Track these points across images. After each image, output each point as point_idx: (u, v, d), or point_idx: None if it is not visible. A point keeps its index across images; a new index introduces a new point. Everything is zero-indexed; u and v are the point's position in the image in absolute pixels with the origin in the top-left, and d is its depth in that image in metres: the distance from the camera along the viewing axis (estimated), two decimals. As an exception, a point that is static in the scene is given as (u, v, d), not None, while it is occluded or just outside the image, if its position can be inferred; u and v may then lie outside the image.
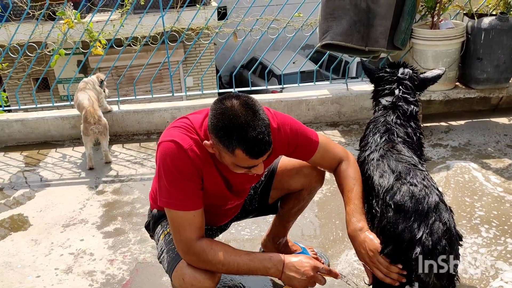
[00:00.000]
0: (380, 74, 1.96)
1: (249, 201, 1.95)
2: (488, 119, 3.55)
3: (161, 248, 1.69)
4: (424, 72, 2.00)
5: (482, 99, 3.56)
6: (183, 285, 1.53)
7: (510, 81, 3.33)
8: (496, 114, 3.61)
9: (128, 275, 2.17)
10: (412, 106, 1.87)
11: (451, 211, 1.50)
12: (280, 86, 4.90)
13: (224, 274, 1.60)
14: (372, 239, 1.52)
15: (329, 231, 2.42)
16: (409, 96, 1.89)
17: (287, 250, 2.18)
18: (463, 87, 3.38)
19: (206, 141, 1.50)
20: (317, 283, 1.53)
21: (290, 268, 1.50)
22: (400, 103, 1.86)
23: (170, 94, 4.02)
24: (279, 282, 2.08)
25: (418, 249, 1.40)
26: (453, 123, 3.54)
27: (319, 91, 3.76)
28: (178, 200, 1.51)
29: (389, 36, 3.25)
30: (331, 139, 3.36)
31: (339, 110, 3.66)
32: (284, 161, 1.91)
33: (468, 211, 2.46)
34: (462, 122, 3.54)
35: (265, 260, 1.52)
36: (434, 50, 3.23)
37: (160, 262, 1.72)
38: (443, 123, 3.54)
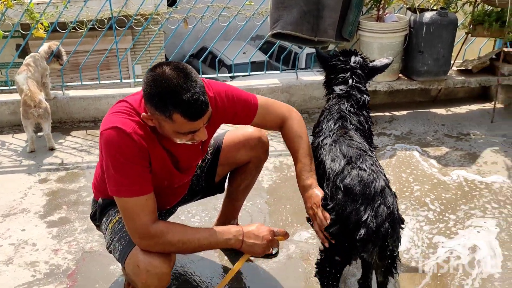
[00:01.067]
0: (333, 62, 2.00)
1: (196, 181, 1.94)
2: (428, 110, 3.74)
3: (111, 237, 1.65)
4: (373, 61, 2.07)
5: (423, 90, 3.75)
6: (138, 271, 1.51)
7: (448, 74, 3.53)
8: (435, 105, 3.81)
9: (74, 265, 2.11)
10: (365, 96, 1.94)
11: (395, 196, 1.58)
12: (230, 74, 4.89)
13: (185, 253, 1.60)
14: (318, 195, 1.60)
15: (279, 216, 2.47)
16: (361, 86, 1.96)
17: None
18: (406, 78, 3.55)
19: (144, 114, 1.46)
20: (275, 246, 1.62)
21: (249, 236, 1.53)
22: (353, 92, 1.92)
23: (118, 81, 3.91)
24: (228, 265, 2.11)
25: (363, 231, 1.46)
26: (396, 113, 3.70)
27: (269, 80, 3.80)
28: (128, 186, 1.48)
29: (338, 28, 3.34)
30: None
31: (289, 99, 3.72)
32: (229, 137, 1.93)
33: (411, 192, 2.60)
34: (405, 112, 3.71)
35: (224, 232, 1.54)
36: (379, 43, 3.36)
37: (110, 252, 1.69)
38: (387, 113, 3.69)
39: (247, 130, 1.91)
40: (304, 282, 1.99)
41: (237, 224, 2.20)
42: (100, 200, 1.75)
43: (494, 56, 3.57)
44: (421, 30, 3.29)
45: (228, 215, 2.16)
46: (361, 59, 2.00)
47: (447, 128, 3.43)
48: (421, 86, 3.53)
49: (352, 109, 1.87)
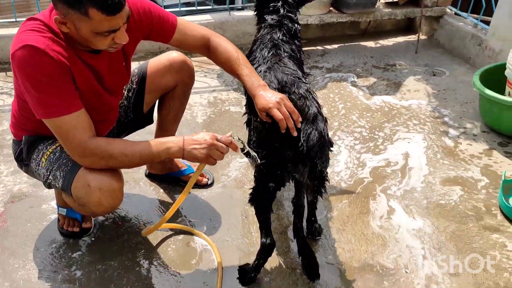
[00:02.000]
0: None
1: (124, 113, 1.92)
2: (358, 43, 3.84)
3: (47, 169, 1.61)
4: None
5: (352, 23, 3.82)
6: (90, 191, 1.49)
7: (376, 6, 3.61)
8: (365, 38, 3.92)
9: (3, 207, 2.05)
10: (296, 25, 1.96)
11: (326, 121, 1.64)
12: None
13: (129, 167, 1.56)
14: (277, 92, 1.56)
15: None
16: (292, 15, 1.97)
17: (173, 167, 2.22)
18: (336, 11, 3.58)
19: (56, 16, 1.37)
20: (220, 152, 1.52)
21: (189, 142, 1.50)
22: (285, 22, 1.92)
23: (38, 20, 3.63)
24: (165, 198, 2.14)
25: (295, 152, 1.52)
26: (328, 47, 3.77)
27: (201, 16, 3.69)
28: (56, 106, 1.42)
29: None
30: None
31: (222, 35, 3.64)
32: (153, 63, 1.91)
33: (343, 119, 2.73)
34: (336, 46, 3.78)
35: (165, 142, 1.52)
36: (309, -26, 3.33)
37: (49, 185, 1.64)
38: (319, 47, 3.75)
39: (171, 55, 1.90)
40: (239, 208, 2.08)
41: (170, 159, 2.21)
42: (25, 137, 1.68)
43: (419, -12, 3.67)
44: (349, -39, 3.30)
45: None
46: None
47: (375, 60, 3.56)
48: (351, 19, 3.59)
49: (284, 38, 1.89)
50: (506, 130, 2.56)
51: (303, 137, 1.52)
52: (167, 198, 2.15)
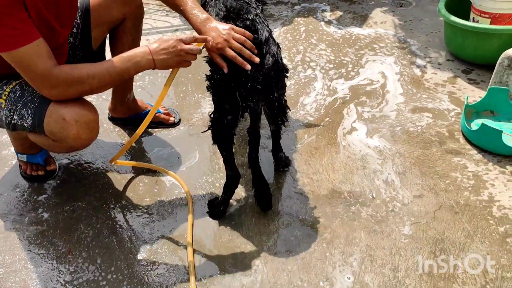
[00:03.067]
0: None
1: (72, 52, 1.80)
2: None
3: (10, 110, 1.53)
4: None
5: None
6: (66, 125, 1.45)
7: None
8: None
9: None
10: None
11: (279, 46, 1.60)
12: None
13: (100, 91, 1.51)
14: (222, 23, 1.50)
15: (181, 88, 2.44)
16: None
17: (137, 108, 2.17)
18: None
19: None
20: (192, 54, 1.48)
21: (157, 52, 1.45)
22: None
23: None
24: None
25: (248, 79, 1.48)
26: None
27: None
28: (13, 36, 1.34)
29: None
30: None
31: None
32: None
33: (315, 51, 2.69)
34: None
35: (133, 56, 1.46)
36: None
37: (14, 126, 1.56)
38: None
39: None
40: (206, 145, 2.06)
41: (134, 98, 2.15)
42: None
43: None
44: None
45: (123, 88, 2.05)
46: None
47: (342, -7, 3.48)
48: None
49: None
50: (470, 57, 2.58)
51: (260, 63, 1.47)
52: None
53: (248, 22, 1.54)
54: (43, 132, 1.51)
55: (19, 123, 1.54)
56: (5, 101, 1.54)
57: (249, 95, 1.50)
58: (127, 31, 1.87)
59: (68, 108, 1.45)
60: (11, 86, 1.56)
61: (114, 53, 1.93)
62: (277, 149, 1.92)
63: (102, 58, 1.92)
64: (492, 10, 2.43)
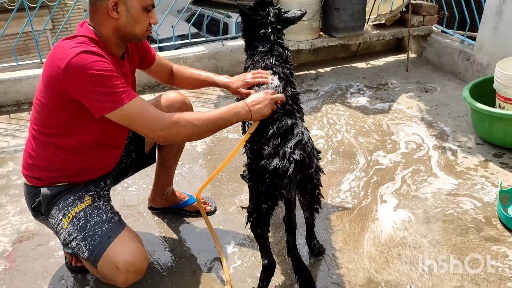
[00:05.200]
0: (253, 17, 2.00)
1: (126, 154, 1.95)
2: (349, 65, 3.95)
3: (70, 235, 1.62)
4: (287, 12, 2.08)
5: (343, 46, 3.93)
6: (118, 272, 1.55)
7: (364, 29, 3.72)
8: (356, 60, 4.03)
9: (11, 246, 2.09)
10: (286, 51, 1.98)
11: (307, 129, 1.67)
12: (156, 45, 4.74)
13: (204, 136, 1.64)
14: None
15: (216, 178, 2.55)
16: (282, 41, 2.00)
17: (175, 199, 2.27)
18: (326, 36, 3.70)
19: (109, 2, 1.54)
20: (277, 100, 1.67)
21: (253, 104, 1.63)
22: (276, 47, 1.95)
23: (38, 61, 3.74)
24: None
25: (275, 163, 1.52)
26: (321, 70, 3.87)
27: (195, 48, 3.81)
28: (124, 92, 1.50)
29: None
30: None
31: (216, 65, 3.76)
32: (151, 103, 1.93)
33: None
34: (328, 69, 3.88)
35: (233, 108, 1.63)
36: (298, 2, 3.45)
37: (66, 246, 1.65)
38: (312, 71, 3.85)
39: (170, 95, 1.95)
40: (242, 230, 2.11)
41: (173, 191, 2.25)
42: (44, 190, 1.68)
43: (404, 9, 3.80)
44: (335, -12, 3.43)
45: (164, 183, 2.18)
46: (277, 11, 2.02)
47: (368, 80, 3.65)
48: (341, 42, 3.70)
49: (277, 63, 1.90)
50: (499, 141, 2.61)
51: (282, 148, 1.54)
52: (171, 230, 2.18)
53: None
54: (95, 267, 1.60)
55: (75, 250, 1.62)
56: (68, 223, 1.63)
57: (281, 182, 1.53)
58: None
59: (123, 257, 1.54)
60: (76, 209, 1.64)
61: (162, 153, 2.08)
62: (311, 236, 1.94)
63: (153, 160, 2.07)
64: (517, 96, 2.51)
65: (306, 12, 2.16)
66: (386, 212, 2.20)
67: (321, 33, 3.72)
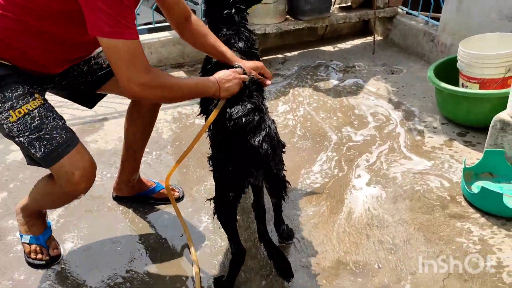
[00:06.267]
0: None
1: (80, 77, 1.83)
2: (317, 48, 3.92)
3: (19, 130, 1.54)
4: None
5: (310, 30, 3.89)
6: (72, 178, 1.57)
7: (330, 11, 3.70)
8: (323, 43, 4.01)
9: (-34, 243, 1.99)
10: (253, 35, 1.95)
11: (274, 121, 1.66)
12: None
13: (171, 101, 1.66)
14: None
15: (182, 164, 2.48)
16: (246, 22, 1.95)
17: (142, 186, 2.20)
18: (293, 19, 3.66)
19: None
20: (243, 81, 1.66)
21: (223, 82, 1.60)
22: (242, 30, 1.90)
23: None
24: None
25: (245, 154, 1.52)
26: (288, 54, 3.83)
27: (160, 33, 3.70)
28: (129, 29, 1.40)
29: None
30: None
31: (182, 51, 3.67)
32: None
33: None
34: (296, 52, 3.85)
35: (205, 82, 1.60)
36: (263, -15, 3.40)
37: (12, 138, 1.58)
38: (279, 55, 3.81)
39: None
40: (210, 218, 2.08)
41: (140, 178, 2.19)
42: None
43: (370, -10, 3.79)
44: (301, -30, 3.38)
45: (130, 169, 2.11)
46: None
47: (335, 63, 3.64)
48: (308, 25, 3.66)
49: (246, 49, 1.87)
50: (463, 120, 2.66)
51: (253, 139, 1.52)
52: (137, 219, 2.12)
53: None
54: (47, 167, 1.59)
55: (24, 145, 1.57)
56: (17, 118, 1.55)
57: (248, 171, 1.54)
58: (142, 115, 1.96)
59: (81, 165, 1.59)
60: (29, 106, 1.56)
61: (127, 143, 2.04)
62: (279, 221, 1.92)
63: (91, 105, 1.97)
64: (480, 76, 2.54)
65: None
66: (356, 193, 2.21)
67: (287, 16, 3.68)
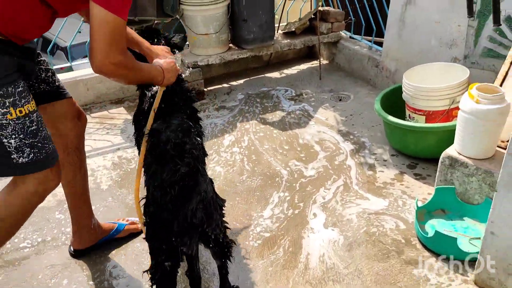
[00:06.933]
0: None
1: (47, 78, 1.76)
2: (263, 75, 3.83)
3: (14, 132, 1.44)
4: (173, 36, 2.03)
5: (255, 57, 3.80)
6: (37, 192, 1.55)
7: (274, 38, 3.61)
8: (269, 69, 3.92)
9: None
10: (184, 83, 1.84)
11: (211, 181, 1.56)
12: (68, 64, 4.12)
13: (128, 82, 1.61)
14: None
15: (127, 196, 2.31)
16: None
17: (104, 230, 2.10)
18: (236, 48, 3.54)
19: None
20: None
21: (168, 71, 1.65)
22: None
23: None
24: None
25: (175, 225, 1.42)
26: (234, 83, 3.71)
27: (96, 67, 3.46)
28: (123, 7, 1.41)
29: (159, 3, 3.14)
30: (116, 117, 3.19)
31: (122, 85, 3.46)
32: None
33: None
34: (242, 81, 3.74)
35: (156, 70, 1.64)
36: (203, 15, 3.26)
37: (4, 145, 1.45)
38: (225, 85, 3.68)
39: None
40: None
41: (98, 222, 2.08)
42: None
43: (312, 16, 3.75)
44: (241, -1, 3.28)
45: (87, 214, 2.02)
46: (164, 39, 1.96)
47: (282, 91, 3.56)
48: (252, 54, 3.56)
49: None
50: (411, 152, 2.63)
51: (186, 207, 1.41)
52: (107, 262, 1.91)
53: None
54: (20, 175, 1.52)
55: (10, 148, 1.46)
56: (16, 118, 1.44)
57: (181, 240, 1.43)
58: (71, 152, 1.86)
59: (54, 183, 1.59)
60: (30, 107, 1.48)
61: (71, 193, 1.95)
62: (225, 285, 1.78)
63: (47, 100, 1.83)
64: (426, 108, 2.53)
65: (185, 35, 2.10)
66: (313, 237, 2.11)
67: (231, 45, 3.56)
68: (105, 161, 2.74)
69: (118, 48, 1.43)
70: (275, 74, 3.84)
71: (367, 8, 3.60)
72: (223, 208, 1.61)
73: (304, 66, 3.96)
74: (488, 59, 2.67)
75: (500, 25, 1.98)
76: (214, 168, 2.66)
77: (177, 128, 1.62)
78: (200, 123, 1.81)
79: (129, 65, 1.51)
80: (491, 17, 2.57)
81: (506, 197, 1.67)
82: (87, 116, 3.07)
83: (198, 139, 1.67)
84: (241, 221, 2.24)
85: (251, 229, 2.19)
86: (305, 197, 2.39)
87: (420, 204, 2.20)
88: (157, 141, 1.56)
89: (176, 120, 1.64)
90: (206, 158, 1.65)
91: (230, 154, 2.78)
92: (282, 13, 3.85)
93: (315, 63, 3.92)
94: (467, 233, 2.09)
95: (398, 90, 2.74)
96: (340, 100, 3.40)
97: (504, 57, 2.54)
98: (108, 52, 1.41)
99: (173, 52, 1.96)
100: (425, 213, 2.20)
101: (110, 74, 1.52)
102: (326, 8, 3.84)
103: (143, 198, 1.60)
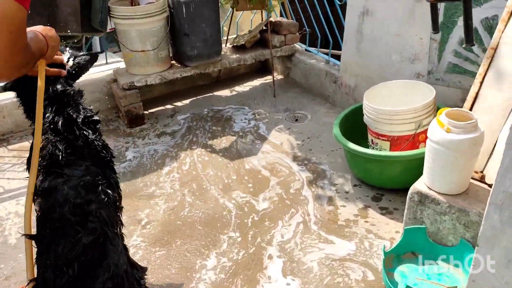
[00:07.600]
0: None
1: None
2: (212, 94, 3.47)
3: None
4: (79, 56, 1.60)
5: (202, 74, 3.43)
6: None
7: (222, 53, 3.26)
8: (219, 87, 3.57)
9: None
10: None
11: (126, 248, 1.22)
12: None
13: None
14: None
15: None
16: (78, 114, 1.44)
17: None
18: (179, 65, 3.16)
19: None
20: None
21: (49, 37, 1.36)
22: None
23: None
24: None
25: None
26: (179, 104, 3.33)
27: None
28: None
29: (85, 17, 2.73)
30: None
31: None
32: None
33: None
34: (187, 101, 3.37)
35: (39, 38, 1.35)
36: (137, 29, 2.88)
37: None
38: (168, 106, 3.30)
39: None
40: None
41: None
42: None
43: (264, 28, 3.43)
44: (181, 11, 2.90)
45: None
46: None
47: (232, 112, 3.20)
48: (196, 71, 3.19)
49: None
50: (376, 182, 2.33)
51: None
52: None
53: None
54: None
55: None
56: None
57: None
58: None
59: None
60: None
61: None
62: None
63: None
64: (389, 133, 2.24)
65: (95, 53, 1.69)
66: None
67: (173, 62, 3.18)
68: (18, 207, 2.29)
69: (22, 46, 1.15)
70: (225, 92, 3.48)
71: (322, 19, 3.31)
72: (143, 279, 1.27)
73: (257, 82, 3.62)
74: (454, 75, 2.41)
75: (474, 45, 1.70)
76: (150, 202, 2.28)
77: (78, 182, 1.29)
78: (113, 164, 1.44)
79: (27, 58, 1.24)
80: (455, 30, 2.33)
81: (490, 254, 1.37)
82: (3, 149, 2.65)
83: (109, 191, 1.32)
84: (178, 279, 1.86)
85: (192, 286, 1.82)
86: (260, 235, 2.04)
87: (388, 247, 1.90)
88: (51, 203, 1.23)
89: (78, 170, 1.30)
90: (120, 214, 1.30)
91: (170, 186, 2.41)
92: (230, 25, 3.51)
93: (268, 79, 3.59)
94: (441, 281, 1.80)
95: (359, 110, 2.44)
96: (297, 120, 3.08)
97: (471, 73, 2.29)
98: (11, 54, 1.13)
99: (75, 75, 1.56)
100: (393, 257, 1.89)
101: (9, 78, 1.33)
102: (278, 19, 3.52)
103: (31, 281, 1.22)
